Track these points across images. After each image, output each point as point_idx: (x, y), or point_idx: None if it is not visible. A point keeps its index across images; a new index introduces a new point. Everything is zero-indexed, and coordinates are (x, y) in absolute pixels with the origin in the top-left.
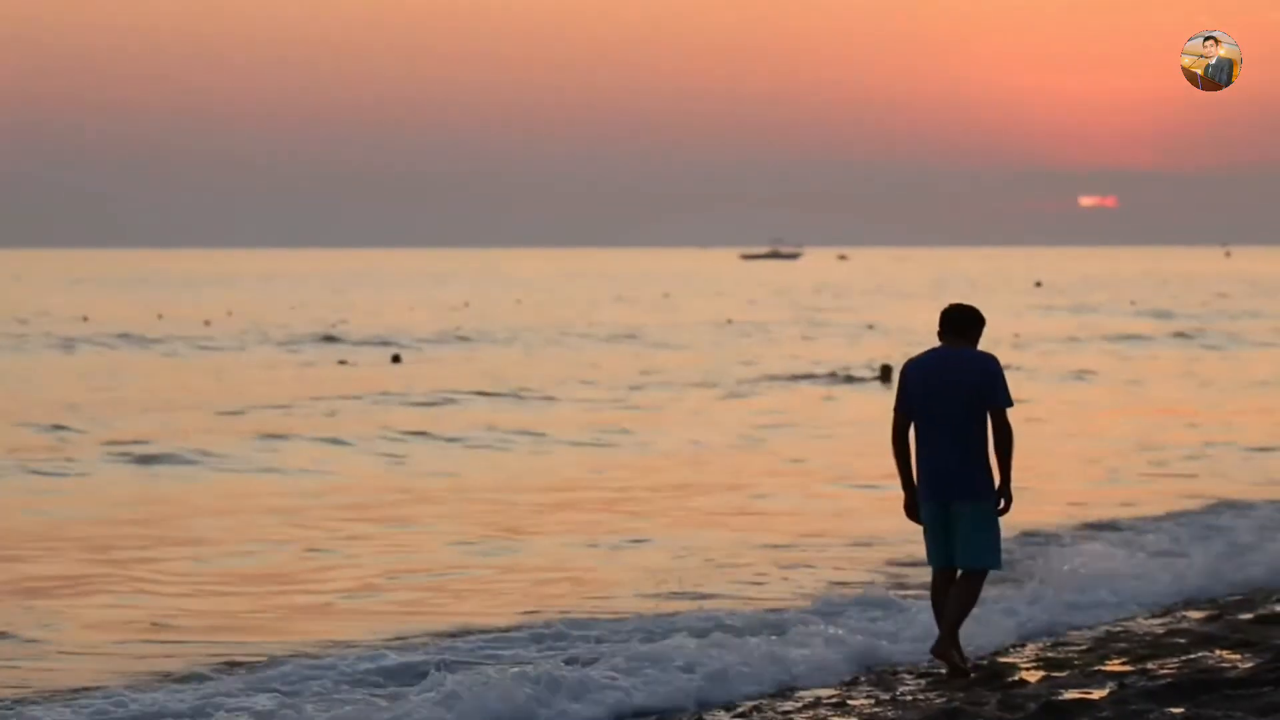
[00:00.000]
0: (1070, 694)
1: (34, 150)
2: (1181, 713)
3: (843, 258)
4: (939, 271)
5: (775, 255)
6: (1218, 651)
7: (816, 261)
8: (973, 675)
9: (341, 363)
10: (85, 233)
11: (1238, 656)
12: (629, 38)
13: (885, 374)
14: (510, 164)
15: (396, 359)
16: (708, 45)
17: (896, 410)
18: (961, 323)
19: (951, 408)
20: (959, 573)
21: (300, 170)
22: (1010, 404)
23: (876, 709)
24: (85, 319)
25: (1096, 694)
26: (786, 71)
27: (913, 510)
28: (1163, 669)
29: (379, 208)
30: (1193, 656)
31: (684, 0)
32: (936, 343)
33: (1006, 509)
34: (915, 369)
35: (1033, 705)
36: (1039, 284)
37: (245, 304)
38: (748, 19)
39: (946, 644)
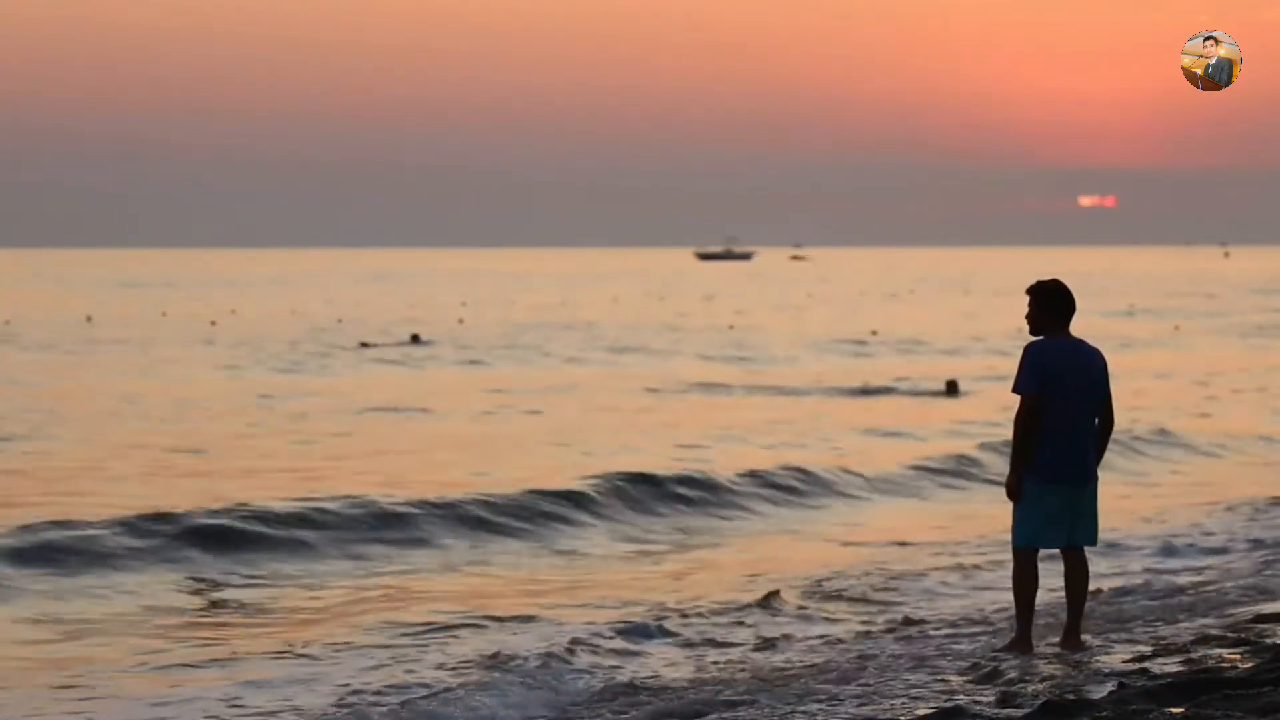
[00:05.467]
0: (1070, 693)
1: (38, 150)
2: (1181, 713)
3: (796, 258)
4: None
5: (729, 255)
6: (1218, 651)
7: (769, 261)
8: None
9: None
10: (82, 233)
11: (1238, 656)
12: (631, 36)
13: (951, 388)
14: (509, 165)
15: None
16: (709, 44)
17: (1034, 393)
18: (1071, 306)
19: (1086, 395)
20: (1075, 554)
21: (315, 170)
22: None
23: (875, 707)
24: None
25: (1096, 694)
26: (785, 71)
27: (1018, 489)
28: (1163, 669)
29: (386, 207)
30: (1193, 656)
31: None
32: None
33: None
34: (1051, 355)
35: (1033, 704)
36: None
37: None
38: (749, 20)
39: (1077, 635)
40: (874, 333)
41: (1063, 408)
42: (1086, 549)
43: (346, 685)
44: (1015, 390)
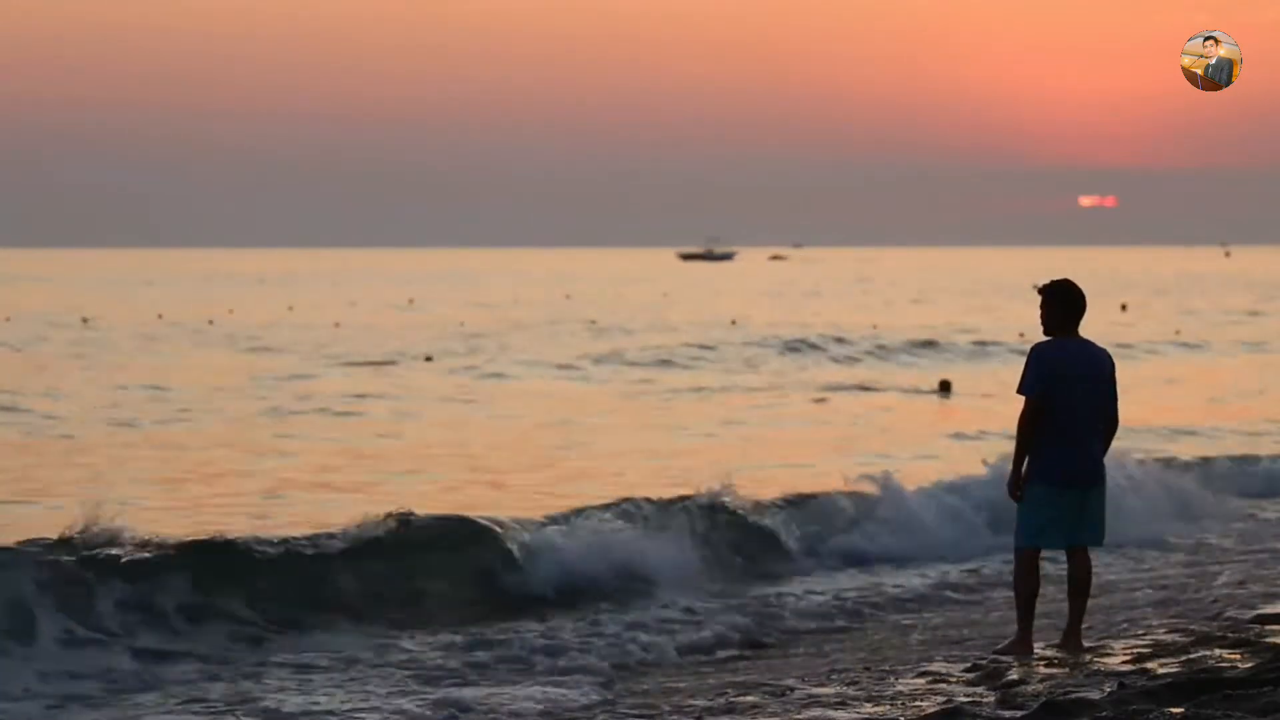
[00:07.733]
0: (1070, 694)
1: (39, 150)
2: (1181, 713)
3: (776, 258)
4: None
5: (710, 255)
6: (1218, 651)
7: (750, 262)
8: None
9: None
10: (83, 234)
11: (1238, 656)
12: (634, 36)
13: (944, 388)
14: (503, 164)
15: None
16: (707, 43)
17: (1038, 395)
18: (1081, 307)
19: (1095, 400)
20: (1080, 554)
21: (315, 170)
22: None
23: (875, 708)
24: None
25: (1096, 694)
26: (783, 71)
27: (1018, 490)
28: (1163, 669)
29: (379, 207)
30: (1193, 656)
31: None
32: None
33: None
34: (1056, 356)
35: (1033, 704)
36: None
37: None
38: (747, 20)
39: (1078, 636)
40: (874, 326)
41: (1068, 409)
42: (1091, 550)
43: None
44: (1020, 391)
